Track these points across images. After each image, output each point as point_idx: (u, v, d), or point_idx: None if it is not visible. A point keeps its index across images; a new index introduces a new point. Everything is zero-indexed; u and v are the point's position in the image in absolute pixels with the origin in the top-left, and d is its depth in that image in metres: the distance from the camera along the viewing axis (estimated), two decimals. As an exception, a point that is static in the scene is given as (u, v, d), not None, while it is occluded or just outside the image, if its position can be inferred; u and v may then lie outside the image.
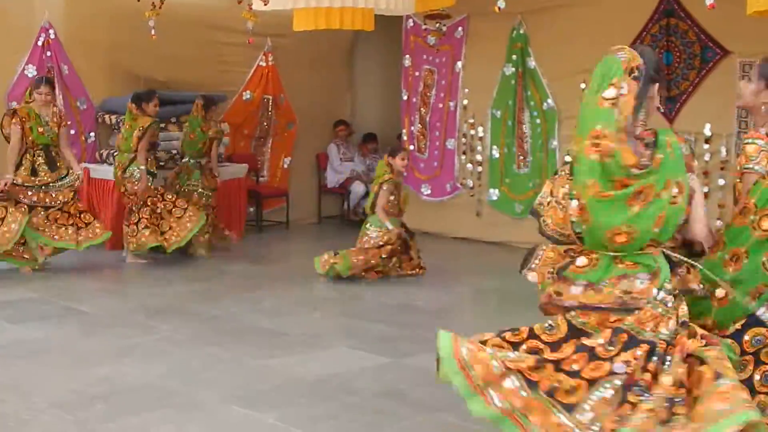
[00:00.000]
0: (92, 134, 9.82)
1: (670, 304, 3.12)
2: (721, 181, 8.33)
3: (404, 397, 4.87)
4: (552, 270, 3.35)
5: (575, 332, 3.17)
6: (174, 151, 9.62)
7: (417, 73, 10.80)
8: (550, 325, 3.24)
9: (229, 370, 5.33)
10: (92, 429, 4.32)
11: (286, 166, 11.34)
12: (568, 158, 3.40)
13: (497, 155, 10.08)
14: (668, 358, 3.04)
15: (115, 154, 8.90)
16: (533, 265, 3.50)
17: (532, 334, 3.25)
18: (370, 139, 11.97)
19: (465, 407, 4.42)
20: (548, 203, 3.41)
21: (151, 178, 8.56)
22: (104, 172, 9.20)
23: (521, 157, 9.94)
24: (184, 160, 9.29)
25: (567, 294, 3.23)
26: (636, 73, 3.10)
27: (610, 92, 3.07)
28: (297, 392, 4.93)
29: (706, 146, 8.41)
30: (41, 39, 9.32)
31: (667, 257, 3.21)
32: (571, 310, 3.22)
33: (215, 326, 6.35)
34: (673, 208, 3.08)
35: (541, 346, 3.19)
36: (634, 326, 3.08)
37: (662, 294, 3.13)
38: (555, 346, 3.17)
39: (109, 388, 4.93)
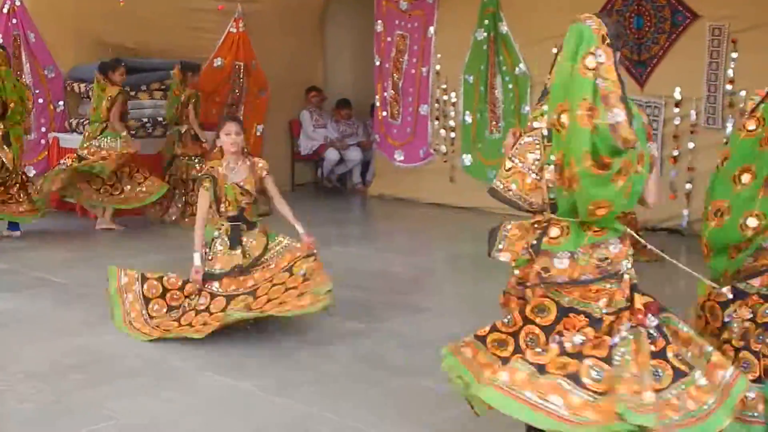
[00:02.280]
0: (61, 103, 9.72)
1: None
2: (691, 145, 8.41)
3: (380, 362, 4.92)
4: (526, 245, 3.32)
5: (565, 311, 3.19)
6: (144, 120, 9.56)
7: (389, 39, 10.76)
8: (539, 308, 3.24)
9: (207, 338, 5.31)
10: (69, 398, 4.33)
11: (258, 133, 11.28)
12: (537, 124, 3.33)
13: (470, 121, 10.08)
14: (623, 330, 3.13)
15: (86, 123, 8.83)
16: (501, 246, 3.45)
17: (526, 320, 3.25)
18: (344, 104, 11.92)
19: (440, 372, 4.49)
20: (509, 169, 3.33)
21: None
22: (74, 141, 9.11)
23: (494, 123, 9.96)
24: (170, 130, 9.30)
25: (555, 269, 3.21)
26: (608, 40, 3.06)
27: (590, 61, 3.03)
28: (276, 359, 4.96)
29: (677, 110, 8.47)
30: (6, 6, 9.18)
31: None
32: (552, 288, 3.21)
33: (190, 295, 6.34)
34: (637, 177, 3.09)
35: (537, 331, 3.22)
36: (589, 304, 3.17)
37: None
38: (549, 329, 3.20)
39: (86, 357, 4.93)
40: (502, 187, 3.33)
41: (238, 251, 5.46)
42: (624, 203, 3.10)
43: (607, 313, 3.14)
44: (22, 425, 4.04)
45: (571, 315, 3.16)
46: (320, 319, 5.76)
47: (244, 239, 5.51)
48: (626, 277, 3.19)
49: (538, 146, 3.27)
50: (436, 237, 8.85)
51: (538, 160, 3.26)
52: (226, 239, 5.50)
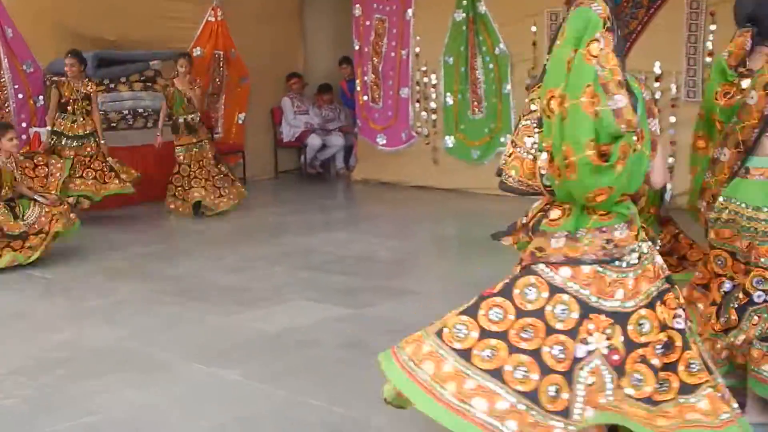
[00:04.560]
0: (41, 98, 9.63)
1: (647, 251, 3.02)
2: (672, 119, 8.42)
3: (366, 347, 4.91)
4: (526, 228, 3.27)
5: (587, 309, 2.95)
6: (125, 112, 9.52)
7: (368, 23, 10.72)
8: (562, 309, 2.95)
9: (191, 328, 5.33)
10: (53, 393, 4.31)
11: (240, 121, 11.24)
12: (534, 106, 3.25)
13: (451, 102, 10.07)
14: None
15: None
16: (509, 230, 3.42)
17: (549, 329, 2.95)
18: (325, 89, 11.88)
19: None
20: (510, 155, 3.29)
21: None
22: (55, 135, 9.06)
23: (476, 103, 9.95)
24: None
25: (549, 248, 3.06)
26: (609, 24, 2.95)
27: (594, 48, 2.90)
28: (259, 347, 4.95)
29: (657, 84, 8.48)
30: (-18, 2, 9.10)
31: None
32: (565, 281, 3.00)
33: (175, 286, 6.33)
34: (637, 156, 2.94)
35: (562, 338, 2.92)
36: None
37: (643, 245, 3.03)
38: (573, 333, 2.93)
39: (70, 352, 4.91)
40: (504, 175, 3.29)
41: None
42: (624, 185, 2.95)
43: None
44: (5, 421, 4.02)
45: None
46: (306, 305, 5.76)
47: None
48: (647, 264, 3.00)
49: (536, 129, 3.21)
50: (421, 219, 8.84)
51: (536, 143, 3.19)
52: None
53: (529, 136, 3.24)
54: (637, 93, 2.99)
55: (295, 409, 4.08)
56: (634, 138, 2.90)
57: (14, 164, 7.19)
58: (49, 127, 8.55)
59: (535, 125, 3.22)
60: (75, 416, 4.02)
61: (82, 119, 8.52)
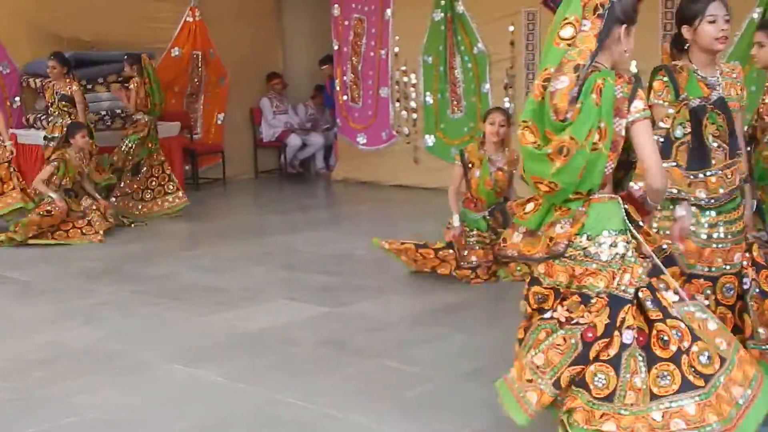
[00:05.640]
0: (17, 99, 9.61)
1: (604, 258, 2.96)
2: (649, 117, 8.47)
3: (345, 345, 4.93)
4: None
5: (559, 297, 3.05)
6: (103, 112, 9.49)
7: (347, 22, 10.73)
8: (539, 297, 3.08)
9: (171, 329, 5.32)
10: (33, 396, 4.30)
11: (219, 122, 11.23)
12: None
13: (431, 101, 10.10)
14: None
15: (43, 119, 8.77)
16: None
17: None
18: (316, 92, 11.95)
19: (405, 352, 4.51)
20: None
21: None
22: (32, 137, 9.04)
23: (455, 102, 9.98)
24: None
25: (510, 241, 3.12)
26: (601, 11, 2.88)
27: (566, 31, 2.88)
28: (239, 347, 4.96)
29: (634, 83, 8.53)
30: (-42, 3, 9.05)
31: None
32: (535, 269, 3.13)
33: (155, 286, 6.32)
34: (595, 155, 2.90)
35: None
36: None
37: (585, 240, 2.98)
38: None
39: (50, 353, 4.89)
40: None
41: None
42: (572, 182, 2.91)
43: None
44: (-14, 424, 4.01)
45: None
46: (286, 304, 5.78)
47: None
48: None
49: None
50: (401, 218, 8.86)
51: None
52: None
53: None
54: (607, 88, 2.89)
55: (274, 408, 4.09)
56: (593, 138, 2.86)
57: (83, 160, 8.12)
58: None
59: None
60: (55, 418, 4.01)
61: (60, 120, 8.48)
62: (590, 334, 2.90)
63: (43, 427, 3.93)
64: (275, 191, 10.71)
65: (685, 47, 3.69)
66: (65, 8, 9.32)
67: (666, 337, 2.91)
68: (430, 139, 10.18)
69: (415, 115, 10.31)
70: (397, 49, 10.31)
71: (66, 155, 7.95)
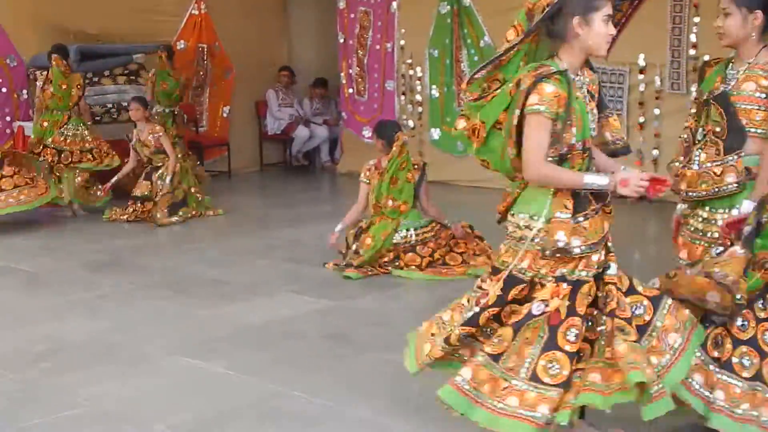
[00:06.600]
0: (24, 91, 9.62)
1: (516, 236, 3.18)
2: (657, 111, 8.44)
3: (349, 339, 4.92)
4: None
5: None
6: (109, 105, 9.49)
7: (352, 15, 10.70)
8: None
9: (175, 321, 5.31)
10: (36, 387, 4.29)
11: (225, 115, 11.23)
12: None
13: (437, 94, 10.07)
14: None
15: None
16: None
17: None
18: (320, 84, 11.89)
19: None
20: None
21: None
22: (39, 129, 9.02)
23: (461, 96, 9.95)
24: (157, 110, 9.24)
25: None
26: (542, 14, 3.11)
27: (510, 33, 3.16)
28: (244, 340, 4.94)
29: (641, 76, 8.50)
30: (-37, -4, 9.06)
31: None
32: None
33: (158, 279, 6.32)
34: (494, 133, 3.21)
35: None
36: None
37: (510, 217, 3.23)
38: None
39: (53, 345, 4.89)
40: None
41: None
42: (499, 162, 3.22)
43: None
44: (-12, 415, 4.00)
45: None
46: (290, 297, 5.76)
47: None
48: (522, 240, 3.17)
49: None
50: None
51: None
52: None
53: None
54: (524, 82, 3.08)
55: (278, 400, 4.07)
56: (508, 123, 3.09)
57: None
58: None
59: None
60: (58, 409, 4.00)
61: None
62: (483, 300, 3.15)
63: (46, 419, 3.92)
64: (280, 184, 10.69)
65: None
66: (71, 1, 9.34)
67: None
68: (435, 133, 10.15)
69: (420, 109, 10.29)
70: (403, 42, 10.28)
71: None
